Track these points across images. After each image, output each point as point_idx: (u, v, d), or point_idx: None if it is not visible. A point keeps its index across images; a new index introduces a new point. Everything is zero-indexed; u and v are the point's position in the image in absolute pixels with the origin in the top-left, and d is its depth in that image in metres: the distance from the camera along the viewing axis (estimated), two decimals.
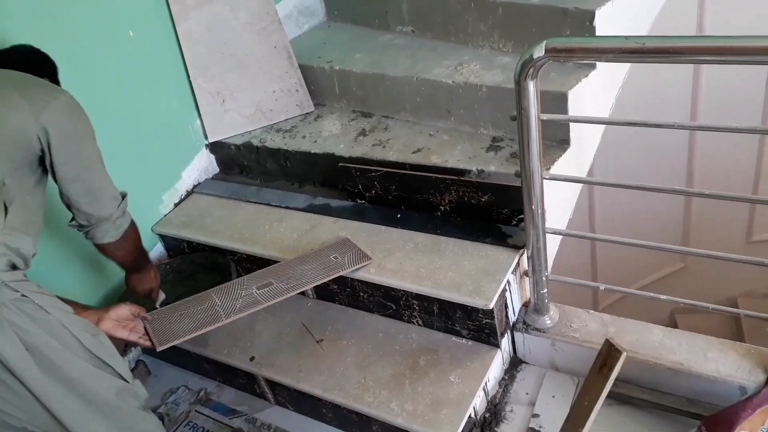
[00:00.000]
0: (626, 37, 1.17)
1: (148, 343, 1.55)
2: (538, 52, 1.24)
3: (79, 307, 1.46)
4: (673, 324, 4.44)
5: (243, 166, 2.29)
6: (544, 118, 1.40)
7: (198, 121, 2.25)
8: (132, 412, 1.32)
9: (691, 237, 4.14)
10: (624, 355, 1.27)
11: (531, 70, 1.28)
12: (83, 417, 1.23)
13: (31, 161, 1.27)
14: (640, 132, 3.14)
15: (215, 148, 2.30)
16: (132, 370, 2.00)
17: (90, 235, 1.44)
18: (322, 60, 2.26)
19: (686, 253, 1.47)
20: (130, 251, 1.56)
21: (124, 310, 1.51)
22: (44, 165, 1.30)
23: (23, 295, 1.15)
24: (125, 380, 1.31)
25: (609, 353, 1.29)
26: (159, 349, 1.54)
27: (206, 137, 2.28)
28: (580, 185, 2.02)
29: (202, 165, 2.31)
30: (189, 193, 2.25)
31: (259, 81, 2.25)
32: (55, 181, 1.33)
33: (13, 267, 1.18)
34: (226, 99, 2.24)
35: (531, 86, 1.32)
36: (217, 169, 2.37)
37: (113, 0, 1.88)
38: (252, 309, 1.62)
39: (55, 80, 1.49)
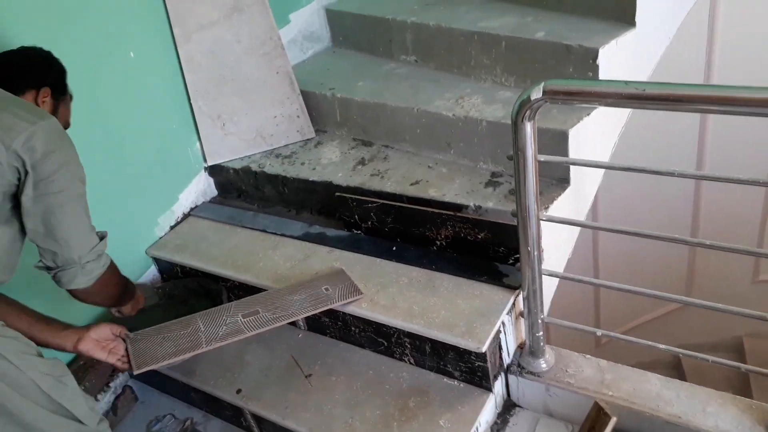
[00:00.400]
0: (626, 83, 1.14)
1: (126, 366, 1.52)
2: (536, 93, 1.22)
3: (59, 326, 1.42)
4: (678, 358, 4.35)
5: (241, 190, 2.27)
6: (542, 159, 1.37)
7: (197, 144, 2.23)
8: None
9: (697, 274, 4.08)
10: (613, 420, 1.22)
11: (528, 112, 1.25)
12: None
13: (5, 193, 1.20)
14: None
15: (214, 171, 2.28)
16: (119, 396, 1.97)
17: (56, 278, 1.30)
18: (324, 87, 2.24)
19: (685, 302, 1.42)
20: (107, 296, 1.46)
21: (105, 330, 1.48)
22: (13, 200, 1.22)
23: None
24: (85, 424, 1.26)
25: (598, 416, 1.25)
26: (135, 372, 1.51)
27: (205, 160, 2.26)
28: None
29: (200, 188, 2.29)
30: (185, 216, 2.23)
31: (260, 106, 2.24)
32: (21, 212, 1.22)
33: None
34: (227, 123, 2.23)
35: (528, 127, 1.29)
36: (215, 193, 2.34)
37: (115, 19, 1.87)
38: (234, 338, 1.58)
39: (61, 86, 1.43)
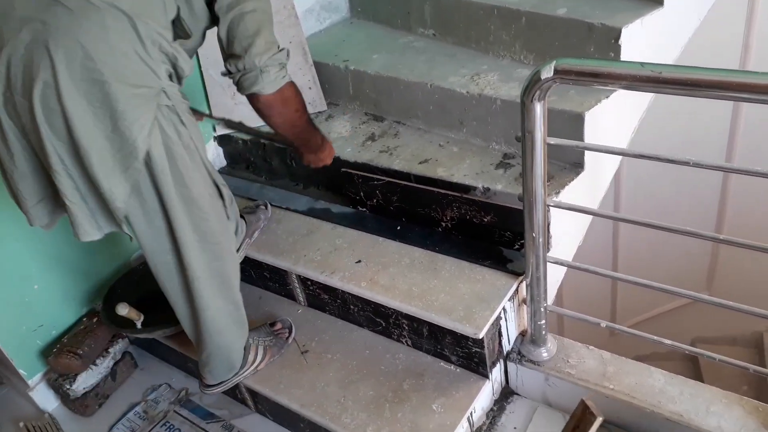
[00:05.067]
0: (642, 64, 1.07)
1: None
2: (547, 72, 1.15)
3: None
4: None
5: (249, 161, 2.24)
6: (551, 142, 1.31)
7: (207, 113, 2.20)
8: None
9: (719, 267, 3.96)
10: (599, 420, 1.17)
11: (538, 92, 1.19)
12: (191, 237, 1.33)
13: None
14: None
15: (223, 141, 2.25)
16: (118, 362, 1.98)
17: (239, 83, 1.36)
18: (338, 58, 2.18)
19: (699, 299, 1.36)
20: (287, 119, 1.44)
21: None
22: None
23: (173, 105, 1.21)
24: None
25: (584, 416, 1.20)
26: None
27: (215, 129, 2.23)
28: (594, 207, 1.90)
29: (209, 157, 2.26)
30: None
31: None
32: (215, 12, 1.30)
33: (170, 78, 1.23)
34: (237, 92, 2.18)
35: (538, 108, 1.23)
36: (224, 162, 2.32)
37: None
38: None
39: None
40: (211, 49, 2.09)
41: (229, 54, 1.34)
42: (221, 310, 1.48)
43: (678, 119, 2.99)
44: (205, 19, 1.35)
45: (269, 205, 1.99)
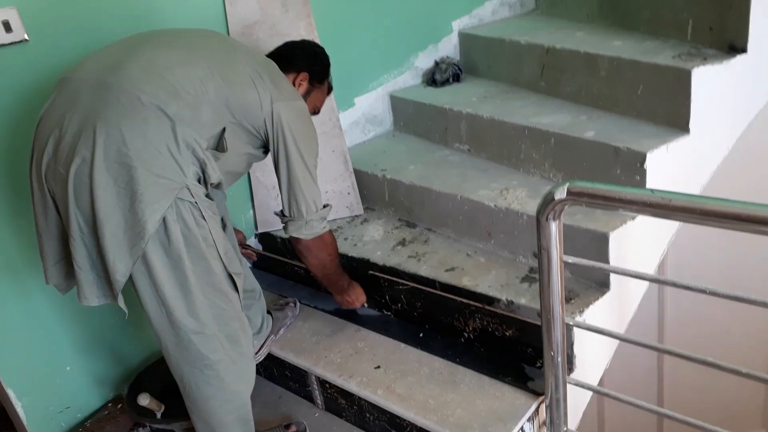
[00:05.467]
0: (653, 191, 1.09)
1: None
2: (560, 193, 1.19)
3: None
4: None
5: (286, 260, 2.31)
6: (568, 260, 1.31)
7: (251, 212, 2.32)
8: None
9: None
10: None
11: (552, 212, 1.22)
12: (202, 320, 1.36)
13: (253, 135, 1.46)
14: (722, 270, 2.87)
15: (263, 238, 2.35)
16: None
17: (285, 226, 1.58)
18: (377, 167, 2.29)
19: None
20: (320, 262, 1.65)
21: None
22: (263, 148, 1.52)
23: (196, 202, 1.30)
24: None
25: None
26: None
27: (256, 227, 2.34)
28: (621, 329, 1.85)
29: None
30: None
31: None
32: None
33: (198, 180, 1.33)
34: (279, 194, 2.30)
35: (553, 227, 1.25)
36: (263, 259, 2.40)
37: None
38: None
39: (320, 76, 1.70)
40: None
41: (282, 196, 1.55)
42: (225, 400, 1.48)
43: (722, 240, 2.92)
44: (250, 150, 1.51)
45: (298, 303, 2.03)
